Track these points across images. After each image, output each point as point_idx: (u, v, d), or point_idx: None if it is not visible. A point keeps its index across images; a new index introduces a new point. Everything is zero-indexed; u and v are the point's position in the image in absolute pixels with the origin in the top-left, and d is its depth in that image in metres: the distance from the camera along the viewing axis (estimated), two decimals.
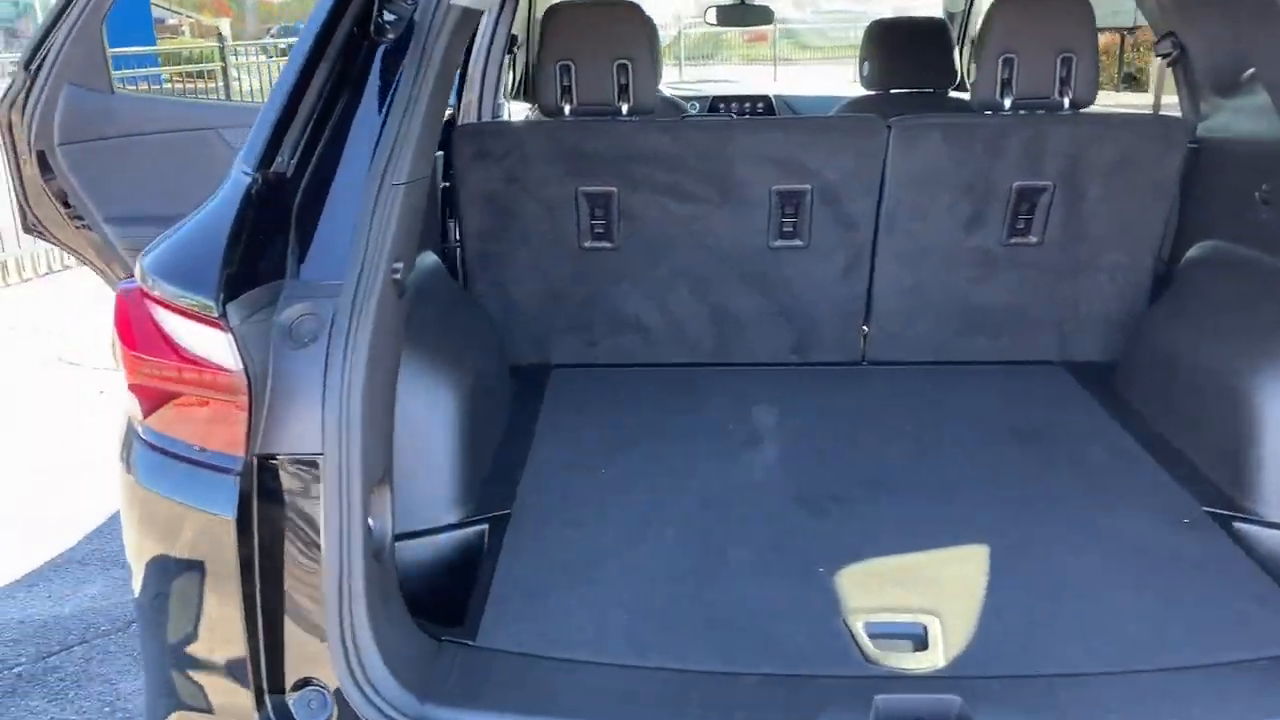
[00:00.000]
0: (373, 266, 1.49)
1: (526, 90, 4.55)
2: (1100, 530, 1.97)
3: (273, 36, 20.98)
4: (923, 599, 1.74)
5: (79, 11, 2.82)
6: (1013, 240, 2.63)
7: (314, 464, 1.45)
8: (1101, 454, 2.28)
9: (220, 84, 8.92)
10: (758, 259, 2.65)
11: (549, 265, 2.69)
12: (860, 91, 3.85)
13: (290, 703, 1.50)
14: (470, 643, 1.65)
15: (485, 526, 1.95)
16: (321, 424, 1.43)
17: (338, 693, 1.48)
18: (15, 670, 2.95)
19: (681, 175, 2.57)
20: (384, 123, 1.55)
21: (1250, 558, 1.88)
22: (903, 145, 2.53)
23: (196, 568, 1.51)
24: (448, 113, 2.67)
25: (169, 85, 8.62)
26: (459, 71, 3.07)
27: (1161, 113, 3.16)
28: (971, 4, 4.53)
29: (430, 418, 1.91)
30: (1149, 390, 2.46)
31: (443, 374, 1.98)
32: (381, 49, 1.60)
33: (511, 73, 4.10)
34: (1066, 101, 2.53)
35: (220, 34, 9.50)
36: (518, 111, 4.25)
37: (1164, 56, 2.72)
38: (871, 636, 1.65)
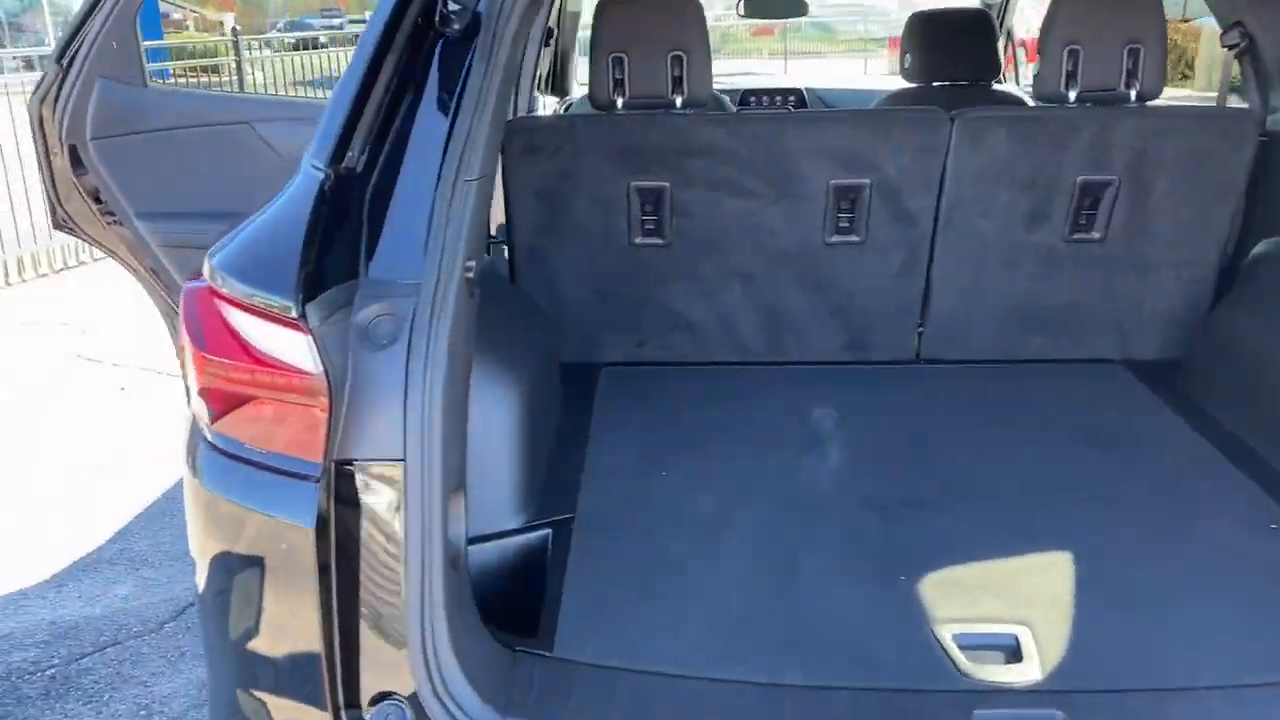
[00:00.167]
0: (449, 265, 1.44)
1: (554, 85, 4.50)
2: (1186, 537, 1.91)
3: (279, 31, 20.95)
4: (1011, 608, 1.69)
5: (112, 4, 2.76)
6: (1075, 237, 2.58)
7: (394, 470, 1.39)
8: (1176, 457, 2.23)
9: (234, 78, 8.86)
10: (812, 255, 2.60)
11: (598, 262, 2.64)
12: (894, 85, 3.79)
13: (368, 718, 1.45)
14: (547, 654, 1.60)
15: (549, 532, 1.89)
16: (403, 428, 1.38)
17: (417, 706, 1.42)
18: (49, 672, 2.91)
19: (737, 169, 2.51)
20: (454, 117, 1.49)
21: None
22: (966, 139, 2.48)
23: (270, 578, 1.46)
24: None
25: (175, 80, 8.57)
26: None
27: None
28: None
29: (491, 419, 1.86)
30: (1221, 390, 2.41)
31: (502, 373, 1.93)
32: (449, 40, 1.55)
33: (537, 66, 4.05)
34: (1133, 94, 2.48)
35: (234, 29, 9.43)
36: (549, 105, 4.21)
37: (1231, 47, 2.66)
38: (962, 648, 1.59)
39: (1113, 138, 2.49)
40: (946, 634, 1.62)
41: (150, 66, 3.29)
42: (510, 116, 3.08)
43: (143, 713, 2.75)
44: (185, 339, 1.48)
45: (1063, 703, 1.46)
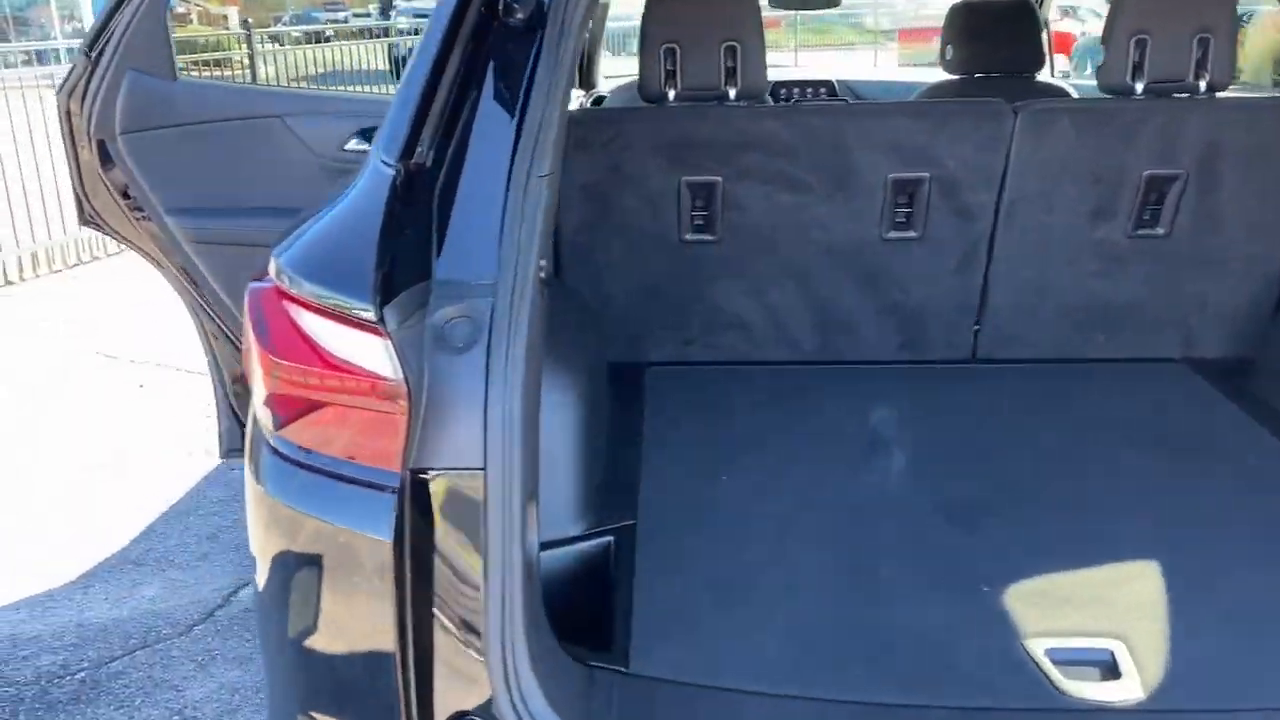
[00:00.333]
0: (525, 264, 1.38)
1: (580, 78, 4.43)
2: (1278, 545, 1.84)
3: (284, 25, 20.86)
4: (1103, 622, 1.63)
5: None
6: (1139, 232, 2.51)
7: (474, 479, 1.33)
8: (1256, 461, 2.15)
9: (244, 73, 8.80)
10: (868, 251, 2.54)
11: (647, 259, 2.58)
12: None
13: None
14: (624, 670, 1.54)
15: (611, 539, 1.84)
16: (483, 436, 1.32)
17: None
18: (78, 676, 2.87)
19: (792, 163, 2.45)
20: (523, 111, 1.43)
21: None
22: (1030, 132, 2.41)
23: (341, 592, 1.39)
24: None
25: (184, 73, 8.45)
26: None
27: None
28: None
29: (551, 421, 1.80)
30: None
31: (560, 374, 1.87)
32: (513, 30, 1.49)
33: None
34: (1203, 85, 2.41)
35: (246, 21, 9.36)
36: (574, 99, 4.13)
37: None
38: (1056, 663, 1.53)
39: (1182, 130, 2.43)
40: (1038, 648, 1.56)
41: None
42: None
43: (175, 718, 2.71)
44: (251, 341, 1.41)
45: None
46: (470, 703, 1.37)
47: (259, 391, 1.44)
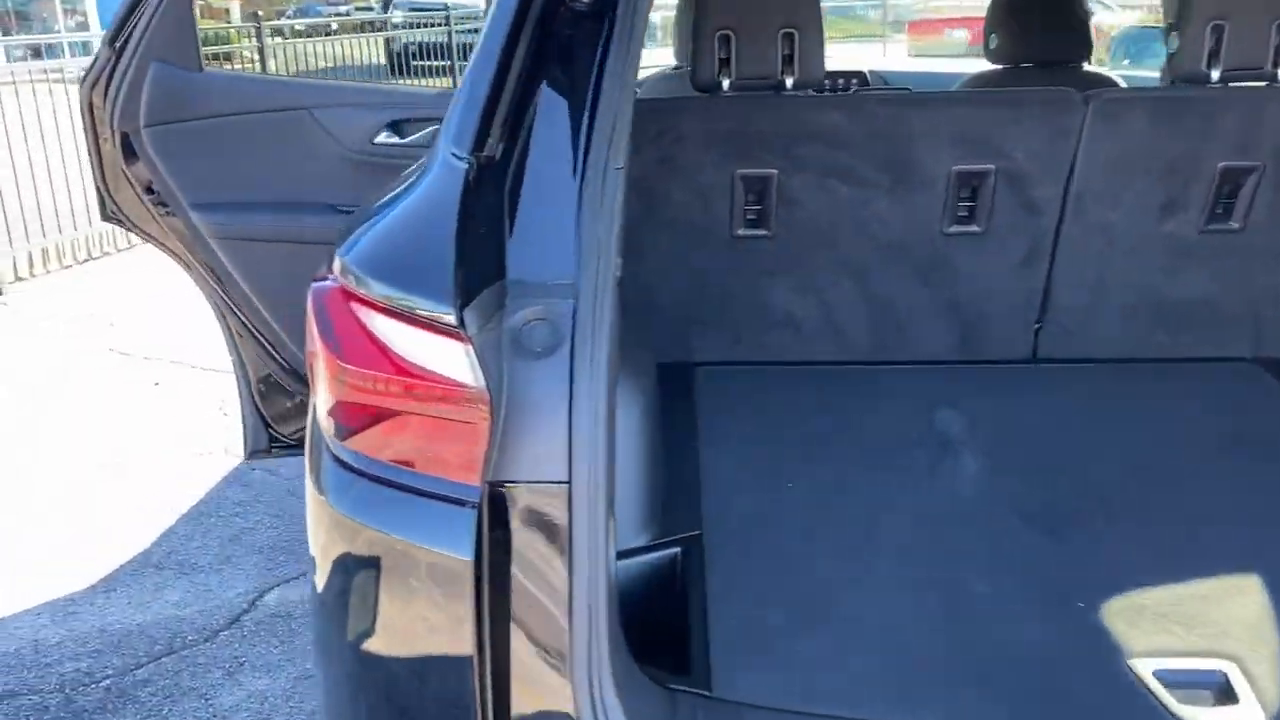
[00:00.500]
0: (605, 263, 1.29)
1: None
2: None
3: (288, 18, 20.73)
4: (1211, 640, 1.54)
5: None
6: (1211, 227, 2.42)
7: (557, 493, 1.25)
8: None
9: (254, 67, 8.71)
10: (928, 246, 2.45)
11: (696, 255, 2.49)
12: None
13: None
14: (708, 694, 1.45)
15: (677, 551, 1.75)
16: (567, 447, 1.23)
17: None
18: (103, 684, 2.80)
19: (852, 155, 2.36)
20: (595, 98, 1.35)
21: None
22: (1101, 122, 2.32)
23: (413, 613, 1.31)
24: None
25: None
26: None
27: None
28: None
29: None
30: None
31: (623, 378, 1.79)
32: (581, 15, 1.41)
33: None
34: None
35: (256, 13, 9.27)
36: None
37: None
38: (1166, 685, 1.45)
39: (1260, 120, 2.33)
40: (1145, 669, 1.48)
41: None
42: None
43: None
44: (316, 345, 1.33)
45: None
46: None
47: (323, 399, 1.35)
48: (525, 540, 1.27)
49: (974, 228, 2.42)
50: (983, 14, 3.51)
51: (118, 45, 2.66)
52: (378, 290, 1.28)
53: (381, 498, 1.30)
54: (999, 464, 2.10)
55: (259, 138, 2.77)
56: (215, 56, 9.01)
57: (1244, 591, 1.66)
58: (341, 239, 1.39)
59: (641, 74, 4.63)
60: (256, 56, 9.28)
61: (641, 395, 1.91)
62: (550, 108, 1.38)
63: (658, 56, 5.55)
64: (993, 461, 2.11)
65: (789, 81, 2.36)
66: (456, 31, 12.37)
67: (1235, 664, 1.49)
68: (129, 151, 2.74)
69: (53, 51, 9.77)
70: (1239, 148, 2.34)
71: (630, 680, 1.36)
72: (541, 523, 1.27)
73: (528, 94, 1.38)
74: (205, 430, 4.35)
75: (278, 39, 9.93)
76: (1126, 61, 6.72)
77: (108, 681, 2.80)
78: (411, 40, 12.55)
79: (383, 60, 12.19)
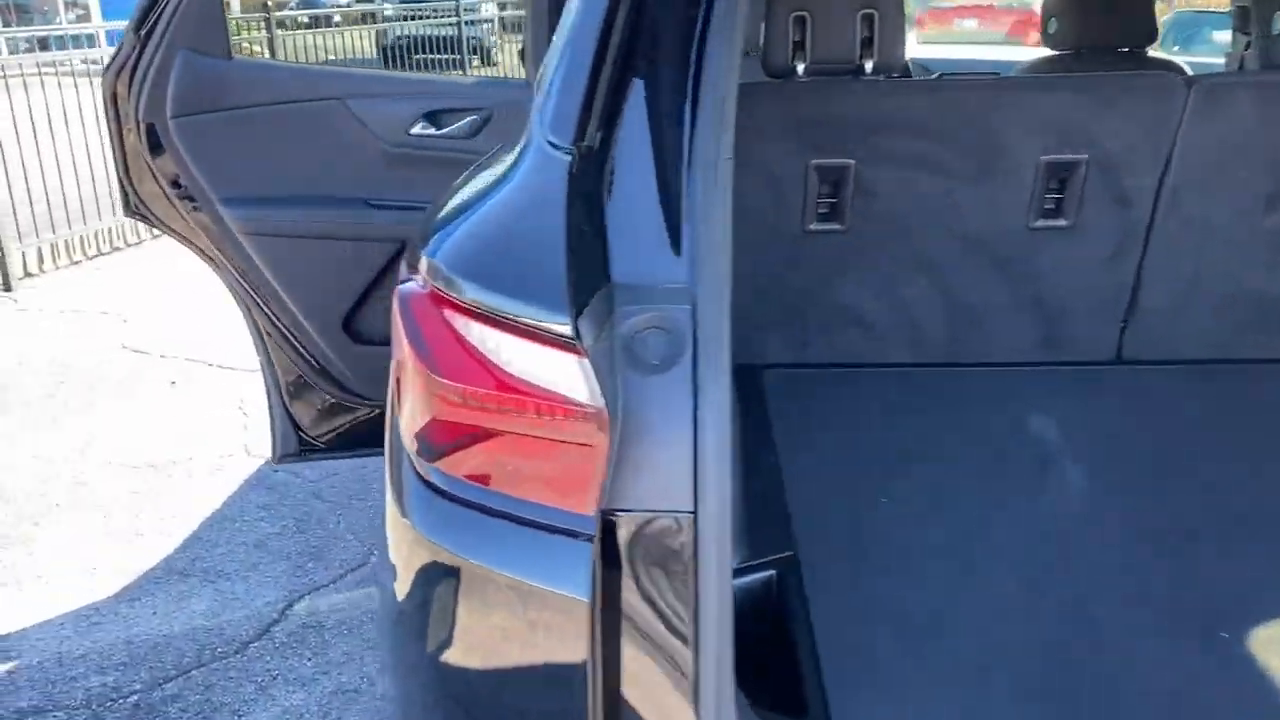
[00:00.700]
0: (723, 264, 1.16)
1: None
2: None
3: (291, 9, 20.55)
4: None
5: None
6: None
7: (680, 524, 1.12)
8: None
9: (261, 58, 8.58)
10: (1012, 241, 2.32)
11: (764, 250, 2.36)
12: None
13: None
14: None
15: (772, 574, 1.63)
16: (693, 472, 1.10)
17: None
18: (131, 699, 2.68)
19: (935, 144, 2.23)
20: (697, 81, 1.22)
21: None
22: (1204, 109, 2.20)
23: (520, 659, 1.17)
24: None
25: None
26: None
27: None
28: None
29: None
30: None
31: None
32: None
33: None
34: None
35: (267, 3, 9.12)
36: None
37: None
38: None
39: None
40: None
41: None
42: None
43: None
44: (405, 355, 1.20)
45: None
46: None
47: (411, 414, 1.22)
48: (643, 577, 1.14)
49: (1061, 221, 2.29)
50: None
51: (143, 33, 2.54)
52: (475, 295, 1.14)
53: (478, 526, 1.17)
54: (1103, 475, 1.97)
55: (290, 129, 2.66)
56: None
57: None
58: (424, 236, 1.25)
59: None
60: (265, 49, 9.14)
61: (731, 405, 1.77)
62: (649, 93, 1.24)
63: None
64: (1096, 472, 1.98)
65: (868, 65, 2.23)
66: (447, 25, 12.07)
67: None
68: (154, 144, 2.63)
69: (60, 43, 9.62)
70: None
71: None
72: (662, 557, 1.13)
73: (624, 79, 1.25)
74: (225, 430, 4.24)
75: (280, 31, 9.78)
76: (1176, 48, 6.58)
77: (135, 697, 2.69)
78: (404, 34, 12.11)
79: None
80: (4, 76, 6.52)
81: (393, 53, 11.69)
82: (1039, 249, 2.33)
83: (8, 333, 5.48)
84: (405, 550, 1.25)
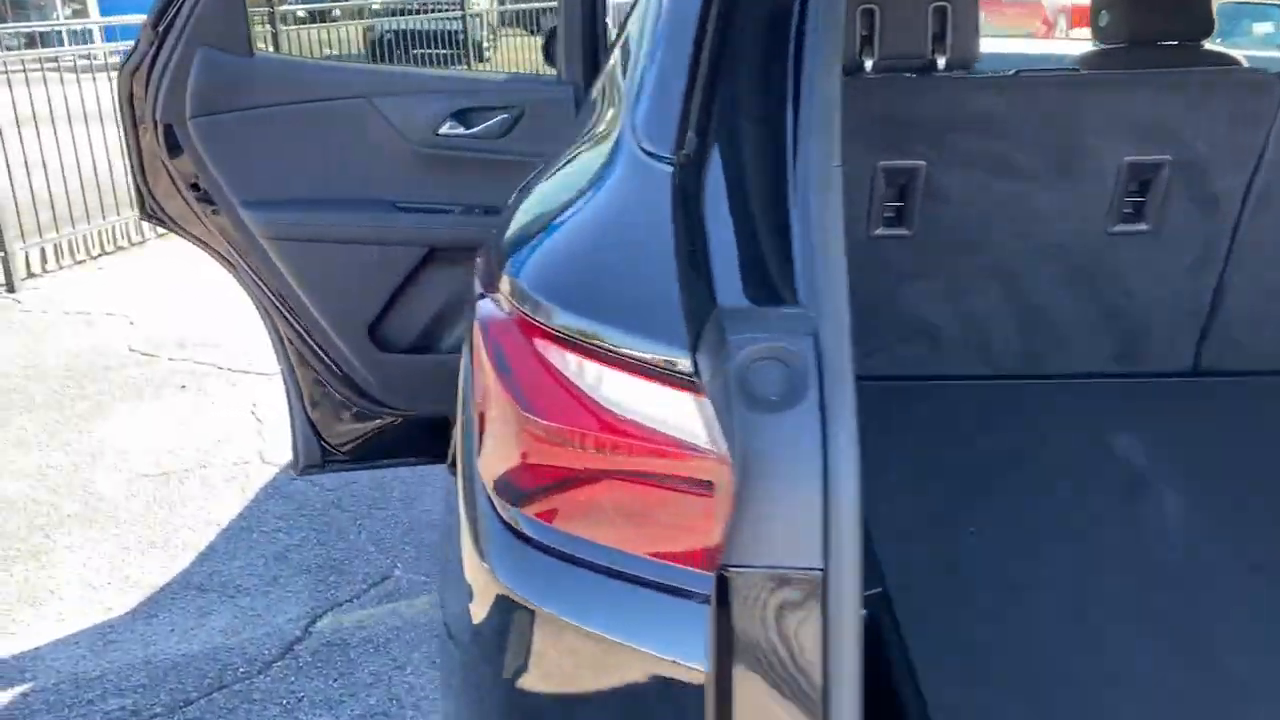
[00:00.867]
0: (841, 285, 1.04)
1: None
2: None
3: (292, 5, 20.40)
4: None
5: None
6: None
7: (806, 582, 1.00)
8: None
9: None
10: (1090, 247, 2.20)
11: None
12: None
13: None
14: None
15: (864, 613, 1.51)
16: (822, 524, 0.97)
17: None
18: None
19: (1011, 144, 2.11)
20: (798, 83, 1.10)
21: None
22: None
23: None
24: None
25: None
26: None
27: None
28: None
29: None
30: None
31: None
32: None
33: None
34: None
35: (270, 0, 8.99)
36: None
37: None
38: None
39: None
40: None
41: None
42: None
43: None
44: (491, 387, 1.07)
45: None
46: None
47: (498, 453, 1.10)
48: (764, 642, 1.01)
49: (1142, 226, 2.17)
50: None
51: (160, 29, 2.43)
52: (569, 322, 1.02)
53: (573, 581, 1.05)
54: (1206, 501, 1.85)
55: (315, 129, 2.55)
56: None
57: None
58: (502, 252, 1.13)
59: None
60: (270, 44, 9.02)
61: None
62: (746, 98, 1.13)
63: None
64: (1197, 497, 1.86)
65: (940, 61, 2.11)
66: (438, 18, 11.83)
67: None
68: (172, 144, 2.52)
69: (59, 39, 9.50)
70: None
71: None
72: (787, 621, 1.01)
73: (718, 82, 1.13)
74: (239, 436, 4.13)
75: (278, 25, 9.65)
76: (1219, 40, 6.46)
77: None
78: (390, 28, 11.79)
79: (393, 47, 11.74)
80: (3, 72, 6.39)
81: (379, 48, 11.44)
82: (1118, 256, 2.21)
83: (13, 336, 5.36)
84: (487, 601, 1.13)
